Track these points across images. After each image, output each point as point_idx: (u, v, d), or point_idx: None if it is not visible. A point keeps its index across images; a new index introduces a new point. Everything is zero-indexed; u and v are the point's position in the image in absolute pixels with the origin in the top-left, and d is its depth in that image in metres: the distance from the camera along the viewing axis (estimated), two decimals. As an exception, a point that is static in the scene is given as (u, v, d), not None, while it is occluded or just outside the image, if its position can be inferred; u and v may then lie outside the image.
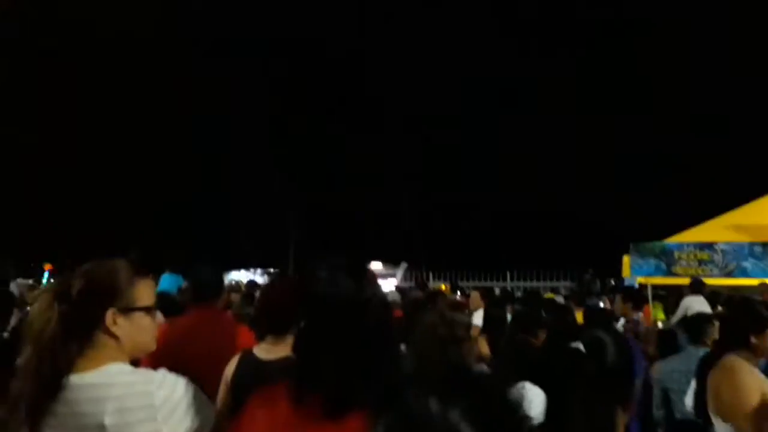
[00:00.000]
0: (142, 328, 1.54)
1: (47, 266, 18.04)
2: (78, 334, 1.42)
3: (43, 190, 24.63)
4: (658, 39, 26.80)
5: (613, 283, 11.41)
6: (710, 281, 8.16)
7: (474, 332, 4.36)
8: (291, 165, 27.89)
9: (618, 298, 6.84)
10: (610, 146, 26.67)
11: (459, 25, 33.92)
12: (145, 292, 1.56)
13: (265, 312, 2.37)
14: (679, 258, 7.15)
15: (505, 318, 4.78)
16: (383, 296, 1.43)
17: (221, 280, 3.14)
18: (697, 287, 7.63)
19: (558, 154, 29.37)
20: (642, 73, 27.96)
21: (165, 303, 4.00)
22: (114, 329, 1.47)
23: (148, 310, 1.56)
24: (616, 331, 2.25)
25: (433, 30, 32.12)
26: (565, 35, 30.25)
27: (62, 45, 24.09)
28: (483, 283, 16.99)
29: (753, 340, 2.66)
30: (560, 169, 29.33)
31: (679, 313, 7.42)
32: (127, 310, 1.50)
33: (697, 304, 7.30)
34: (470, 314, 5.27)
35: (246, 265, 20.85)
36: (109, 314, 1.46)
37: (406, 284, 17.81)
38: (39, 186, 24.53)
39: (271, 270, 19.88)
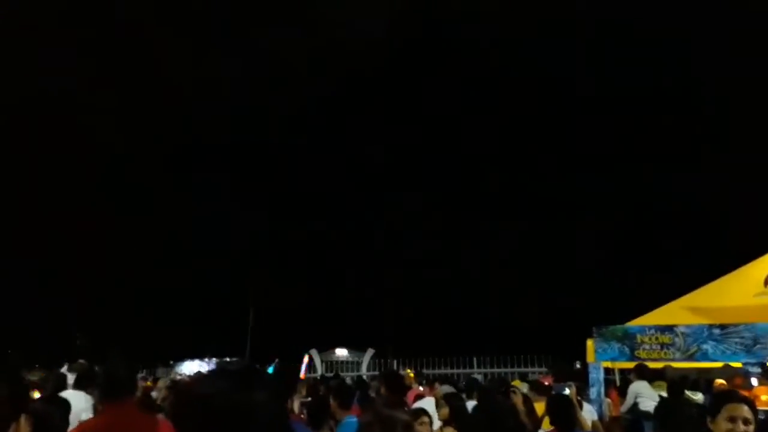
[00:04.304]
0: None
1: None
2: None
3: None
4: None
5: (578, 366, 11.15)
6: (675, 365, 8.00)
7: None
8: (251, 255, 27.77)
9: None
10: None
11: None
12: None
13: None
14: (642, 341, 7.03)
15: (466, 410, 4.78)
16: (276, 403, 1.29)
17: (134, 376, 2.89)
18: (641, 373, 7.50)
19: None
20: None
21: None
22: None
23: None
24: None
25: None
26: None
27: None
28: (449, 371, 16.52)
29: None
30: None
31: (628, 401, 7.21)
32: None
33: (645, 390, 7.16)
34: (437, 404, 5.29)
35: (200, 355, 19.89)
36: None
37: (372, 372, 17.27)
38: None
39: (227, 359, 18.95)
